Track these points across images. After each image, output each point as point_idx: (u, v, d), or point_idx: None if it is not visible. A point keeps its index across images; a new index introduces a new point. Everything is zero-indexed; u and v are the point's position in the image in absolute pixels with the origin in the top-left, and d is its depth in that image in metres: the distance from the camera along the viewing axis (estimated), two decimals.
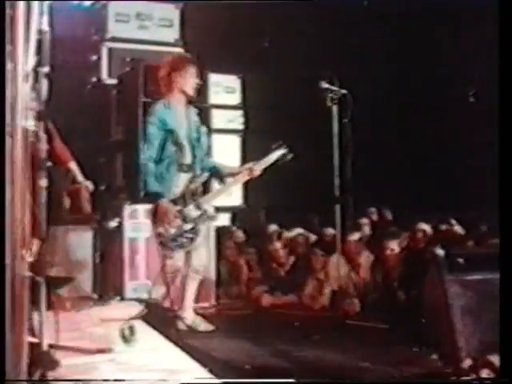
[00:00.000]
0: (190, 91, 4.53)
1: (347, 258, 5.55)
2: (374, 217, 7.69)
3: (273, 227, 6.81)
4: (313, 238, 6.58)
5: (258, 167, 4.61)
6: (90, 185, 5.42)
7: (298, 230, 6.51)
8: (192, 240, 4.42)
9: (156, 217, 4.33)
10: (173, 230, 4.34)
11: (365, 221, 7.12)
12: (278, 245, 6.12)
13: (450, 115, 8.39)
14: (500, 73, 3.01)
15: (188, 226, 4.39)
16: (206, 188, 4.71)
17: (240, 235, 6.63)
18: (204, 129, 4.73)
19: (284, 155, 4.67)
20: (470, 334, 4.04)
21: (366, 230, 6.93)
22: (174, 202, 4.37)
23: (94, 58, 6.32)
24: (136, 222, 5.74)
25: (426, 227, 6.12)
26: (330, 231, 6.37)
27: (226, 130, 7.06)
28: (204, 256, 4.71)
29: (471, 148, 8.12)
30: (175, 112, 4.50)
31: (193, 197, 4.46)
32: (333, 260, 5.60)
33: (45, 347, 2.86)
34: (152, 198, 4.37)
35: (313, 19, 7.93)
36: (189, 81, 4.50)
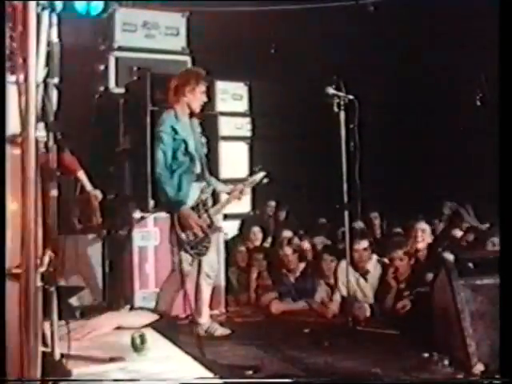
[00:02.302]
0: (197, 108, 4.64)
1: (355, 263, 5.54)
2: (377, 222, 7.65)
3: (287, 233, 6.80)
4: (322, 243, 6.58)
5: (247, 188, 4.78)
6: (98, 194, 5.45)
7: (320, 239, 6.51)
8: (207, 248, 4.51)
9: (179, 223, 4.39)
10: (192, 237, 4.42)
11: (373, 226, 7.11)
12: (288, 251, 6.11)
13: (458, 120, 8.38)
14: (501, 74, 3.00)
15: (202, 234, 4.47)
16: (214, 198, 4.80)
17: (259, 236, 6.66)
18: (204, 140, 4.79)
19: (263, 178, 4.81)
20: (481, 338, 4.04)
21: (375, 235, 6.91)
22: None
23: (102, 67, 6.34)
24: (145, 230, 5.75)
25: (425, 226, 6.10)
26: (338, 237, 6.37)
27: (233, 137, 7.06)
28: (215, 262, 4.82)
29: (480, 152, 8.10)
30: (183, 122, 4.59)
31: (204, 207, 4.55)
32: (342, 266, 5.60)
33: (57, 357, 2.86)
34: (171, 206, 4.44)
35: (319, 25, 7.94)
36: (197, 97, 4.59)
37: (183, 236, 4.41)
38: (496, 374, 3.72)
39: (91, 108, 6.39)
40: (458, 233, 6.49)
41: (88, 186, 5.20)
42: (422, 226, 6.09)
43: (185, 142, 4.51)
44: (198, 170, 4.57)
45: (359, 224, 6.83)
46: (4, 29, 2.53)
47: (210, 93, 5.88)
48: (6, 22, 2.56)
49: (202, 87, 4.59)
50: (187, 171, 4.50)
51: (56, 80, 2.98)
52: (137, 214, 5.73)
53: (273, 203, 7.93)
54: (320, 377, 3.80)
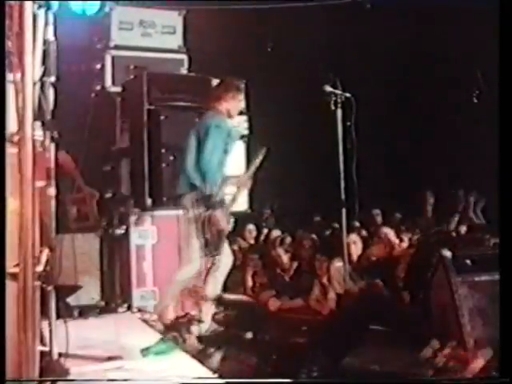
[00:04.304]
0: (235, 114, 4.92)
1: (349, 258, 5.53)
2: (379, 219, 7.69)
3: (276, 232, 6.80)
4: (317, 241, 6.58)
5: (253, 169, 4.90)
6: (95, 193, 5.44)
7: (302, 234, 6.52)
8: (221, 247, 4.69)
9: (209, 221, 4.51)
10: (216, 235, 4.58)
11: (367, 223, 7.13)
12: (280, 250, 6.12)
13: (455, 117, 8.39)
14: (500, 72, 3.00)
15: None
16: None
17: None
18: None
19: (265, 154, 4.89)
20: (478, 335, 4.05)
21: (369, 232, 6.92)
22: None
23: (98, 66, 6.32)
24: (142, 228, 5.75)
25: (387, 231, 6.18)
26: (334, 234, 6.38)
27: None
28: (226, 263, 4.89)
29: (479, 148, 8.11)
30: (227, 126, 4.80)
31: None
32: (336, 264, 5.61)
33: (55, 356, 2.86)
34: (211, 204, 4.54)
35: (316, 24, 7.93)
36: (237, 105, 4.89)
37: (207, 236, 4.54)
38: (494, 370, 3.73)
39: (88, 107, 6.37)
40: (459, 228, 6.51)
41: (84, 185, 5.18)
42: (385, 230, 6.15)
43: (226, 144, 4.71)
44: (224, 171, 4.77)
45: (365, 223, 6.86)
46: (4, 29, 2.53)
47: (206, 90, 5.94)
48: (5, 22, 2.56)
49: (240, 95, 4.91)
50: (221, 170, 4.70)
51: (53, 78, 2.97)
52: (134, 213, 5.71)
53: (269, 202, 7.94)
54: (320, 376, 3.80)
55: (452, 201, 7.84)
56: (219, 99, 4.83)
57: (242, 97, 4.93)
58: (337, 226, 6.06)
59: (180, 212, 5.68)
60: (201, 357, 3.68)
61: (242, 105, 4.97)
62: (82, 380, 2.96)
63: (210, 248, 4.59)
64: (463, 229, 6.72)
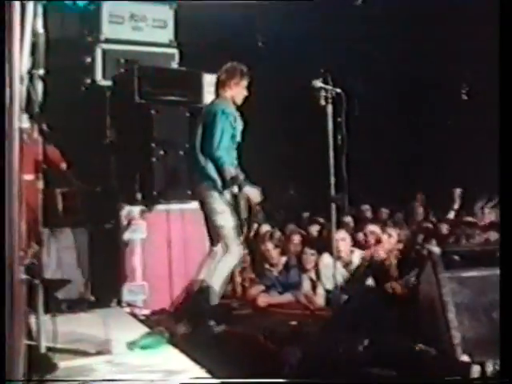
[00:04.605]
0: (239, 101, 4.87)
1: (338, 254, 5.55)
2: (368, 214, 7.71)
3: (265, 227, 6.80)
4: (306, 237, 6.59)
5: None
6: (84, 187, 5.42)
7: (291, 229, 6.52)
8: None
9: (245, 201, 4.59)
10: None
11: (357, 218, 7.15)
12: (269, 245, 6.12)
13: (444, 113, 8.43)
14: (500, 72, 3.00)
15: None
16: None
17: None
18: None
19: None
20: (466, 330, 4.07)
21: (360, 226, 6.95)
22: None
23: (88, 59, 6.30)
24: (132, 223, 5.73)
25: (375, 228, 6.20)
26: (323, 230, 6.38)
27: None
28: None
29: (468, 144, 8.16)
30: (235, 112, 4.79)
31: None
32: (324, 259, 5.62)
33: (43, 350, 2.85)
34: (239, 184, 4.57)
35: (307, 19, 7.93)
36: (241, 91, 4.86)
37: (244, 215, 4.62)
38: (478, 364, 3.76)
39: (78, 100, 6.34)
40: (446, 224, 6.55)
41: (72, 179, 5.16)
42: (371, 228, 6.17)
43: (234, 129, 4.71)
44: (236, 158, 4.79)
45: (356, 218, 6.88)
46: (4, 29, 2.51)
47: (197, 85, 5.93)
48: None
49: (244, 81, 4.87)
50: (231, 156, 4.69)
51: (41, 71, 2.95)
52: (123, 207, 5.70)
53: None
54: (306, 368, 3.81)
55: (441, 197, 7.88)
56: (224, 85, 4.82)
57: (246, 83, 4.88)
58: (326, 221, 6.07)
59: (171, 207, 5.73)
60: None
61: (245, 92, 4.88)
62: (84, 380, 2.94)
63: (248, 224, 4.67)
64: (452, 224, 6.75)
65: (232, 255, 4.65)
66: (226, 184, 4.58)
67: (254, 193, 4.64)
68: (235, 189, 4.59)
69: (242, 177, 4.62)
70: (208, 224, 4.80)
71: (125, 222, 5.63)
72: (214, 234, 4.75)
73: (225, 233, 4.63)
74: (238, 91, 4.84)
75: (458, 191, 7.58)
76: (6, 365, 2.33)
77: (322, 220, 7.04)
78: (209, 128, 4.67)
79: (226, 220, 4.62)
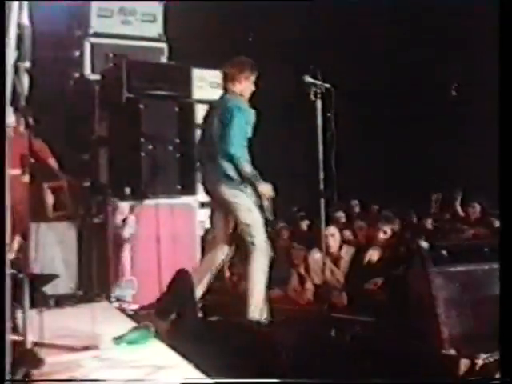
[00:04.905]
0: (247, 95, 4.78)
1: (328, 251, 5.56)
2: (357, 209, 7.73)
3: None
4: (295, 232, 6.60)
5: None
6: (73, 181, 5.39)
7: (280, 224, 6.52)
8: None
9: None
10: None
11: (347, 213, 7.17)
12: None
13: (434, 109, 8.46)
14: (500, 72, 2.99)
15: None
16: None
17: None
18: None
19: None
20: (453, 325, 4.09)
21: (349, 222, 6.97)
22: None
23: (77, 53, 6.26)
24: (121, 218, 5.72)
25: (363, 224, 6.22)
26: (312, 225, 6.38)
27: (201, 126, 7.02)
28: None
29: (455, 141, 8.20)
30: (248, 106, 4.73)
31: None
32: (313, 254, 5.63)
33: (29, 345, 2.84)
34: (254, 178, 4.55)
35: (297, 14, 7.92)
36: (250, 86, 4.78)
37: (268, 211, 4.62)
38: (463, 358, 3.78)
39: (66, 94, 6.31)
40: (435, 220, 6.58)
41: (60, 173, 5.14)
42: (359, 224, 6.19)
43: (249, 127, 4.68)
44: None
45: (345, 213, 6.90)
46: (4, 29, 2.49)
47: (187, 80, 5.91)
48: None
49: (254, 76, 4.79)
50: (245, 153, 4.64)
51: (27, 64, 2.93)
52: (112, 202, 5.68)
53: None
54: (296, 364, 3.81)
55: (430, 192, 7.91)
56: (233, 80, 4.73)
57: (254, 77, 4.80)
58: (315, 216, 6.07)
59: (160, 202, 5.71)
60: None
61: (253, 87, 4.80)
62: (85, 380, 2.92)
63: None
64: (440, 220, 6.78)
65: (263, 253, 4.62)
66: (244, 181, 4.55)
67: (267, 188, 4.62)
68: (252, 185, 4.56)
69: (256, 173, 4.58)
70: (224, 223, 4.78)
71: (120, 219, 5.61)
72: (230, 233, 4.74)
73: (252, 230, 4.58)
74: (247, 86, 4.76)
75: (435, 196, 7.60)
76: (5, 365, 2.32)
77: (311, 215, 7.04)
78: (224, 125, 4.58)
79: (253, 217, 4.58)
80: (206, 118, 4.88)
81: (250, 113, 4.72)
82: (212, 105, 4.97)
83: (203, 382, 3.07)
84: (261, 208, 4.60)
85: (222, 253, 4.83)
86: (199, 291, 4.69)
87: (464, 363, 3.77)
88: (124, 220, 5.62)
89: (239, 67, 4.75)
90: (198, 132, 5.98)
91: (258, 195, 4.59)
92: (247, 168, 4.53)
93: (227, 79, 4.79)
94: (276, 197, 4.79)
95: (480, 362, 3.74)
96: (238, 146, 4.53)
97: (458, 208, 7.26)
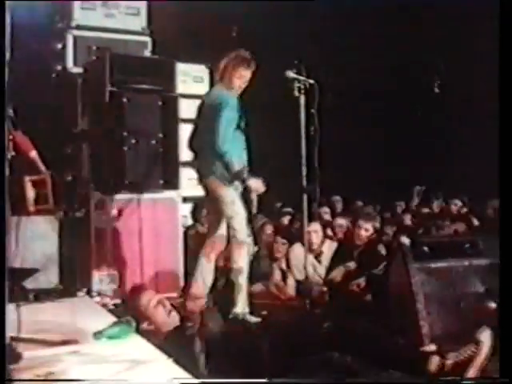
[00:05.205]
0: (239, 90, 4.75)
1: (310, 246, 5.57)
2: (339, 205, 7.76)
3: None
4: (278, 227, 6.60)
5: None
6: (54, 175, 5.35)
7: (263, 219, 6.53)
8: None
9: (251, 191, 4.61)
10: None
11: (327, 209, 7.19)
12: None
13: (418, 104, 8.50)
14: (500, 72, 3.00)
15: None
16: None
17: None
18: None
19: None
20: (433, 320, 4.13)
21: (330, 218, 6.99)
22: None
23: (59, 46, 6.20)
24: (103, 212, 5.69)
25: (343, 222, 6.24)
26: (294, 220, 6.38)
27: (194, 119, 6.99)
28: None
29: (439, 137, 8.24)
30: (237, 101, 4.70)
31: None
32: (294, 249, 5.64)
33: (7, 340, 2.81)
34: (244, 176, 4.56)
35: (281, 9, 7.91)
36: (243, 81, 4.75)
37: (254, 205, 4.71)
38: (445, 353, 3.81)
39: (48, 87, 6.25)
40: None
41: (42, 167, 5.09)
42: (339, 221, 6.22)
43: (241, 118, 4.66)
44: (245, 145, 4.75)
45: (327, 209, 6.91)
46: (4, 29, 2.45)
47: (171, 74, 5.88)
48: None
49: (247, 71, 4.75)
50: (240, 146, 4.66)
51: (7, 56, 2.89)
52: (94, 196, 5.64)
53: None
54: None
55: (411, 188, 7.96)
56: (230, 73, 4.70)
57: (249, 73, 4.76)
58: (298, 212, 6.09)
59: (142, 196, 5.69)
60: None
61: (249, 80, 4.78)
62: (88, 380, 2.90)
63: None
64: (422, 216, 6.83)
65: (244, 247, 4.64)
66: (231, 175, 4.55)
67: (258, 183, 4.63)
68: (241, 182, 4.57)
69: (246, 170, 4.58)
70: (213, 216, 4.80)
71: (114, 212, 5.58)
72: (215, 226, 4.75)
73: (234, 224, 4.61)
74: (241, 81, 4.73)
75: (417, 188, 7.64)
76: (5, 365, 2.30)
77: (294, 211, 7.06)
78: (212, 121, 4.58)
79: (236, 211, 4.59)
80: (199, 110, 4.86)
81: (240, 105, 4.69)
82: (203, 98, 4.95)
83: (211, 382, 3.07)
84: (246, 202, 4.60)
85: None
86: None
87: (434, 361, 3.81)
88: (119, 213, 5.60)
89: (235, 60, 4.72)
90: (182, 126, 6.01)
91: (246, 189, 4.59)
92: (234, 163, 4.52)
93: (224, 72, 4.76)
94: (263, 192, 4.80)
95: (449, 361, 3.78)
96: (226, 142, 4.52)
97: (434, 205, 7.32)
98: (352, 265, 5.46)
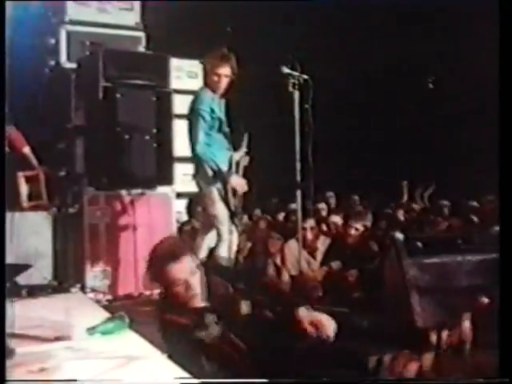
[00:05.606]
0: (223, 87, 4.71)
1: (304, 242, 5.57)
2: (333, 201, 7.76)
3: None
4: (272, 223, 6.60)
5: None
6: (48, 171, 5.34)
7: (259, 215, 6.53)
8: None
9: (234, 194, 4.61)
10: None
11: (323, 206, 7.19)
12: None
13: (410, 101, 8.51)
14: (500, 72, 2.99)
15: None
16: None
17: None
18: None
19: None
20: (427, 315, 4.14)
21: (324, 214, 6.99)
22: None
23: (52, 40, 6.17)
24: (97, 207, 5.68)
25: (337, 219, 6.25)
26: (290, 216, 6.38)
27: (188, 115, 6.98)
28: None
29: (431, 133, 8.26)
30: (217, 101, 4.70)
31: None
32: (290, 245, 5.64)
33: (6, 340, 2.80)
34: (222, 177, 4.57)
35: (275, 4, 7.89)
36: (225, 80, 4.69)
37: (234, 204, 4.61)
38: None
39: (42, 82, 6.22)
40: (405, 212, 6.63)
41: (35, 163, 5.07)
42: (334, 219, 6.23)
43: (220, 120, 4.66)
44: (229, 146, 4.74)
45: (322, 205, 6.92)
46: (4, 29, 2.43)
47: (165, 69, 5.86)
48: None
49: (227, 68, 4.69)
50: (222, 148, 4.67)
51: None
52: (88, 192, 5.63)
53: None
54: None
55: (400, 185, 7.98)
56: (209, 72, 4.69)
57: (231, 71, 4.72)
58: (293, 207, 6.09)
59: (136, 191, 5.68)
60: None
61: (229, 80, 4.72)
62: (89, 380, 2.89)
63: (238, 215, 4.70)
64: (415, 212, 6.84)
65: (226, 244, 4.66)
66: (213, 177, 4.58)
67: (240, 182, 4.64)
68: (222, 181, 4.59)
69: (225, 170, 4.58)
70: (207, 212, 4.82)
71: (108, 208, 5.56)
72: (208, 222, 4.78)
73: (217, 222, 4.65)
74: (222, 77, 4.67)
75: (405, 183, 7.63)
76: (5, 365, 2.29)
77: (290, 206, 7.04)
78: (189, 125, 4.64)
79: (217, 209, 4.63)
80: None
81: (215, 106, 4.66)
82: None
83: (211, 382, 3.07)
84: (226, 201, 4.60)
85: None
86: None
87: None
88: (80, 208, 5.58)
89: (216, 60, 4.68)
90: (176, 122, 6.01)
91: (226, 188, 4.58)
92: (212, 165, 4.55)
93: (205, 71, 4.78)
94: (254, 187, 4.80)
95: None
96: (202, 145, 4.54)
97: (425, 199, 7.34)
98: (336, 265, 5.47)
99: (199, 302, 3.06)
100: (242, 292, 3.05)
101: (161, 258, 3.06)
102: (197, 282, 3.04)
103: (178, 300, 3.05)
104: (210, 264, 3.18)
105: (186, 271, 3.00)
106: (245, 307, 2.99)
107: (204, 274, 3.06)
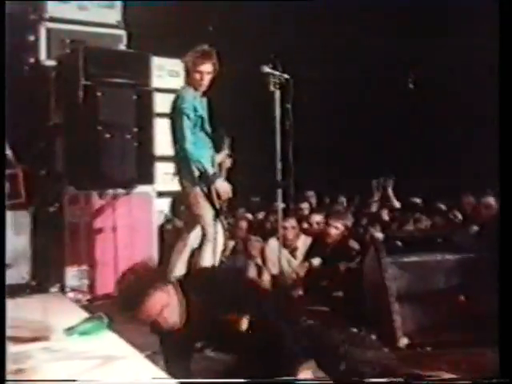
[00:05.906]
0: (205, 85, 4.67)
1: (284, 241, 5.58)
2: (313, 200, 7.78)
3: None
4: (253, 222, 6.60)
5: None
6: (28, 169, 5.29)
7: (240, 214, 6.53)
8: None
9: (217, 195, 4.56)
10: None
11: (304, 205, 7.20)
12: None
13: (390, 101, 8.56)
14: (500, 72, 3.00)
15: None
16: None
17: None
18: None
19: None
20: (406, 314, 4.17)
21: (305, 213, 7.00)
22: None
23: (32, 38, 6.12)
24: (77, 207, 5.64)
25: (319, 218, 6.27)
26: (269, 215, 6.38)
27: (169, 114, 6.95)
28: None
29: (411, 132, 8.32)
30: (198, 99, 4.66)
31: None
32: (270, 244, 5.65)
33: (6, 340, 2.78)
34: (207, 179, 4.53)
35: (257, 4, 7.89)
36: (205, 77, 4.64)
37: (219, 203, 4.58)
38: (420, 347, 3.85)
39: (21, 80, 6.15)
40: (384, 211, 6.66)
41: (14, 161, 5.03)
42: (316, 218, 6.25)
43: (202, 118, 4.63)
44: (211, 145, 4.71)
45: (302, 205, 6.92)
46: (4, 29, 2.41)
47: (146, 68, 5.83)
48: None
49: (209, 65, 4.64)
50: (206, 146, 4.63)
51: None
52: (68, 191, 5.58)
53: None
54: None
55: (382, 183, 8.01)
56: (190, 70, 4.64)
57: (212, 69, 4.66)
58: (273, 207, 6.09)
59: (117, 191, 5.65)
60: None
61: (212, 75, 4.67)
62: (90, 381, 2.86)
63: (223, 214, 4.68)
64: (395, 211, 6.88)
65: (211, 245, 4.65)
66: (198, 178, 4.55)
67: (225, 187, 4.61)
68: (206, 183, 4.55)
69: (211, 172, 4.55)
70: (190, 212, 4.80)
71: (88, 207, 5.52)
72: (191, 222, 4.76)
73: (202, 222, 4.63)
74: (204, 74, 4.62)
75: (374, 182, 7.63)
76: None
77: (271, 205, 7.05)
78: (172, 125, 4.61)
79: (202, 210, 4.60)
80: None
81: (198, 105, 4.63)
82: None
83: (211, 382, 3.06)
84: (211, 203, 4.59)
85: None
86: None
87: None
88: (60, 207, 5.55)
89: (193, 57, 4.64)
90: (157, 121, 5.97)
91: (210, 189, 4.57)
92: (198, 166, 4.52)
93: (186, 69, 4.72)
94: (235, 188, 4.78)
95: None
96: (188, 145, 4.51)
97: (389, 192, 7.34)
98: (316, 261, 5.49)
99: (180, 327, 2.95)
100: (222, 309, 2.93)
101: (129, 297, 2.87)
102: (173, 311, 2.91)
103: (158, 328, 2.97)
104: (189, 282, 3.04)
105: (158, 306, 2.86)
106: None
107: (182, 295, 2.94)
